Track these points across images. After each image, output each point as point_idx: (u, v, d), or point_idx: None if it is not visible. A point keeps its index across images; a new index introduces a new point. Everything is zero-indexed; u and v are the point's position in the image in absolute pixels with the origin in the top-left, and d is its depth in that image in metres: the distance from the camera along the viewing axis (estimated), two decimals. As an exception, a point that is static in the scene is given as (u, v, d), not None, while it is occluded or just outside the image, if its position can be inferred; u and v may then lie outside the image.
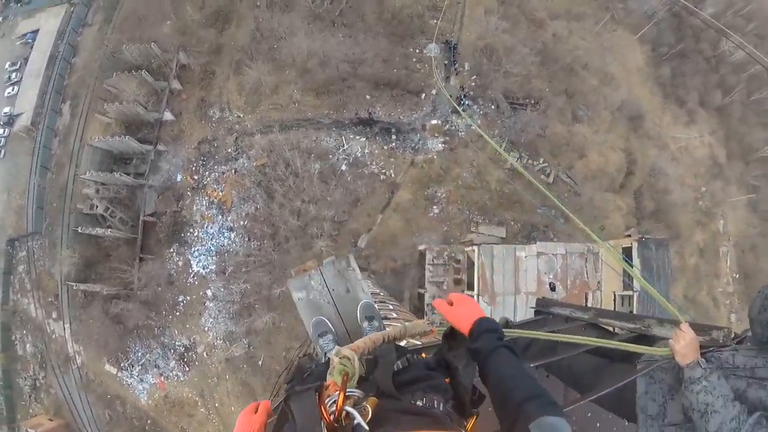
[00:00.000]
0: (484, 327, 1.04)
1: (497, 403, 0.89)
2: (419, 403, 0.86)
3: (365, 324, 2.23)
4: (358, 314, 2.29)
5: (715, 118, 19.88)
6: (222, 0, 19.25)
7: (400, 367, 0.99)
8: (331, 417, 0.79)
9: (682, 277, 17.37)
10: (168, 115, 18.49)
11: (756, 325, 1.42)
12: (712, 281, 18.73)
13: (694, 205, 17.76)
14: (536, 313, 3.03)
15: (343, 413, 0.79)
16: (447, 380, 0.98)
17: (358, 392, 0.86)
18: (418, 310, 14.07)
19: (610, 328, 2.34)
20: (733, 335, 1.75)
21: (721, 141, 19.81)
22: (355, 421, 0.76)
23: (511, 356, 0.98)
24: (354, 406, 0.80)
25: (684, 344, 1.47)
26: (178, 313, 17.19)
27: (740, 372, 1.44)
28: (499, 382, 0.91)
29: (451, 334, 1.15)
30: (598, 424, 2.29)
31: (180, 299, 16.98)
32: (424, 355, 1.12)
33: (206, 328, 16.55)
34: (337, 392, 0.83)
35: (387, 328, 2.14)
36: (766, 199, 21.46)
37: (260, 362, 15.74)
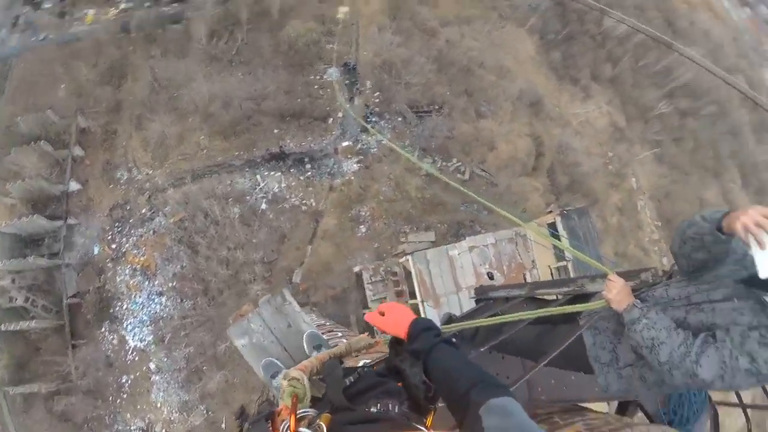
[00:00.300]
0: (420, 327, 1.06)
1: (446, 398, 0.90)
2: (373, 410, 0.86)
3: (314, 353, 2.19)
4: (305, 346, 2.28)
5: (609, 88, 21.90)
6: (115, 54, 18.50)
7: (352, 380, 0.99)
8: None
9: (608, 237, 18.76)
10: (74, 185, 17.30)
11: (680, 258, 1.50)
12: (637, 234, 20.43)
13: (605, 170, 19.35)
14: (477, 302, 3.09)
15: None
16: (399, 384, 0.99)
17: (312, 411, 0.86)
18: (367, 331, 14.06)
19: (551, 297, 2.39)
20: (661, 273, 1.83)
21: (618, 108, 21.83)
22: None
23: (449, 349, 0.98)
24: (309, 426, 0.79)
25: (616, 292, 1.55)
26: (125, 395, 15.90)
27: (677, 303, 1.50)
28: (443, 378, 0.91)
29: (397, 341, 1.15)
30: (564, 387, 2.40)
31: (124, 380, 15.75)
32: (375, 368, 1.12)
33: (159, 404, 15.44)
34: (289, 415, 0.82)
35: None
36: (669, 149, 23.88)
37: (223, 425, 14.91)
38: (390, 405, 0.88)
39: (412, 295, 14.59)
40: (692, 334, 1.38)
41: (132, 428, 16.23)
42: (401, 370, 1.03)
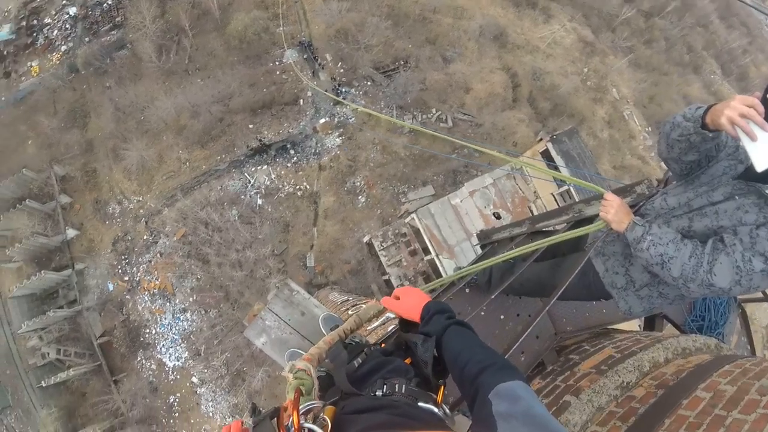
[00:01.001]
0: (432, 310, 1.04)
1: (456, 380, 0.88)
2: (379, 392, 0.84)
3: None
4: (323, 329, 2.29)
5: (568, 5, 21.34)
6: (71, 96, 18.09)
7: (360, 362, 0.97)
8: None
9: (603, 153, 18.75)
10: (71, 232, 17.30)
11: (671, 162, 1.40)
12: (631, 143, 20.39)
13: (584, 87, 19.13)
14: (482, 247, 3.05)
15: (305, 431, 0.76)
16: (407, 360, 0.97)
17: (318, 403, 0.84)
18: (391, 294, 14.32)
19: (553, 229, 2.35)
20: (656, 182, 1.75)
21: (582, 22, 21.35)
22: None
23: (461, 331, 0.96)
24: (315, 419, 0.77)
25: (614, 212, 1.46)
26: (176, 414, 16.42)
27: (678, 211, 1.42)
28: (454, 359, 0.90)
29: (408, 322, 1.13)
30: (587, 314, 2.43)
31: (171, 400, 16.22)
32: (383, 345, 1.11)
33: (210, 414, 15.96)
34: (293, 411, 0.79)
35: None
36: (643, 53, 23.48)
37: (276, 417, 15.47)
38: (396, 385, 0.86)
39: (426, 251, 14.81)
40: (700, 242, 1.29)
41: (193, 443, 16.91)
42: (412, 345, 1.00)
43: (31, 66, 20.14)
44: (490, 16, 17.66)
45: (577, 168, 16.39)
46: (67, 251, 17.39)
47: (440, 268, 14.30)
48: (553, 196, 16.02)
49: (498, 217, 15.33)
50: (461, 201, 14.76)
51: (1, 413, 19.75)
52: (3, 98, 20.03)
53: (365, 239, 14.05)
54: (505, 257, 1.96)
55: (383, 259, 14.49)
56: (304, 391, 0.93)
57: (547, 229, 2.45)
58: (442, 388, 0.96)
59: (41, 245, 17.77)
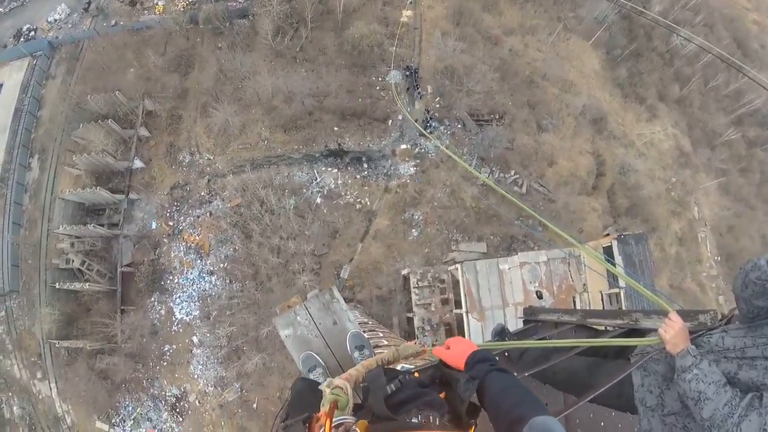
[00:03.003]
0: (477, 358, 1.10)
1: (492, 416, 0.93)
2: (415, 420, 0.87)
3: (356, 354, 2.23)
4: (348, 344, 2.29)
5: (675, 110, 20.66)
6: (183, 44, 19.39)
7: (393, 389, 1.00)
8: None
9: (665, 268, 17.67)
10: (138, 163, 18.29)
11: (741, 302, 1.41)
12: (696, 267, 19.11)
13: (667, 196, 18.23)
14: (525, 322, 3.00)
15: None
16: (442, 395, 1.01)
17: (350, 419, 0.89)
18: (409, 334, 13.92)
19: (601, 328, 2.34)
20: (720, 316, 1.75)
21: (684, 131, 20.55)
22: None
23: (503, 375, 1.02)
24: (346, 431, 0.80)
25: (673, 333, 1.47)
26: (165, 363, 16.64)
27: (731, 353, 1.43)
28: (494, 397, 0.95)
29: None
30: (602, 423, 2.32)
31: (166, 348, 16.47)
32: (416, 375, 1.13)
33: (196, 376, 16.03)
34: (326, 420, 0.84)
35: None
36: (735, 180, 22.22)
37: (255, 405, 15.28)
38: (431, 417, 0.89)
39: (457, 305, 14.36)
40: (739, 393, 1.31)
41: (167, 394, 16.98)
42: (453, 381, 1.04)
43: (157, 4, 21.92)
44: (596, 98, 17.37)
45: (634, 274, 15.52)
46: (128, 179, 18.38)
47: (465, 326, 13.79)
48: (602, 294, 15.20)
49: (540, 296, 14.69)
50: (509, 268, 14.27)
51: (7, 295, 20.92)
52: (122, 23, 21.86)
53: (404, 272, 13.84)
54: (554, 344, 1.90)
55: (414, 297, 14.19)
56: (339, 406, 0.94)
57: (596, 327, 2.38)
58: (473, 429, 0.97)
59: (106, 164, 18.91)
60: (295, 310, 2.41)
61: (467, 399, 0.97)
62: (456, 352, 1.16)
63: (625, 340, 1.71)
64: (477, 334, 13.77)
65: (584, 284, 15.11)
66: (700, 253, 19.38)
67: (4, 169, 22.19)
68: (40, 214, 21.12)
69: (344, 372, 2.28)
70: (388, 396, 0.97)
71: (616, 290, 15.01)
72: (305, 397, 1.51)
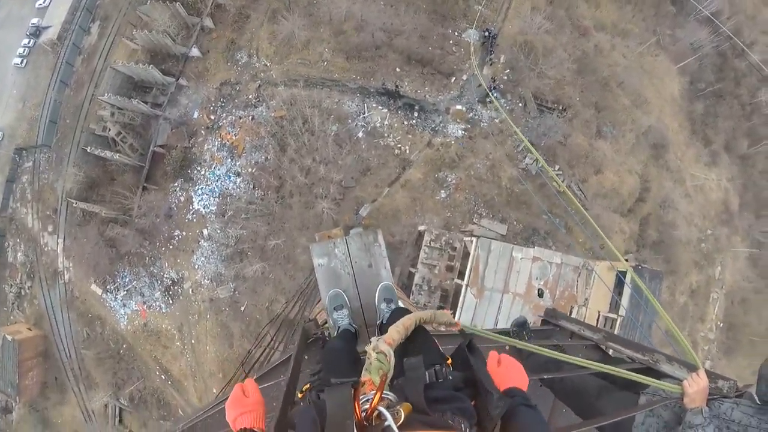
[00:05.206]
0: (520, 396, 1.10)
1: None
2: (451, 422, 0.88)
3: (383, 305, 2.19)
4: (377, 294, 2.25)
5: (736, 165, 19.63)
6: (271, -56, 18.73)
7: (427, 381, 1.00)
8: (363, 415, 0.81)
9: (668, 313, 17.36)
10: (195, 52, 18.29)
11: (763, 383, 1.49)
12: (696, 324, 18.83)
13: (697, 246, 17.70)
14: (543, 322, 3.01)
15: (375, 413, 0.81)
16: (473, 402, 1.01)
17: (391, 395, 0.89)
18: (406, 287, 14.21)
19: (610, 352, 2.34)
20: (736, 388, 1.81)
21: (737, 189, 19.61)
22: (386, 423, 0.77)
23: (536, 413, 1.03)
24: (387, 408, 0.81)
25: (697, 389, 1.53)
26: (171, 247, 17.38)
27: (734, 426, 1.51)
28: (521, 429, 0.97)
29: (469, 346, 1.20)
30: None
31: (176, 233, 17.15)
32: (449, 361, 1.14)
33: (196, 266, 16.75)
34: (373, 392, 0.85)
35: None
36: (766, 256, 21.38)
37: (243, 308, 16.00)
38: (462, 425, 0.89)
39: (461, 275, 14.52)
40: None
41: (164, 275, 17.90)
42: (483, 391, 1.03)
43: None
44: (664, 123, 16.57)
45: (635, 307, 15.39)
46: (182, 64, 18.47)
47: (461, 299, 13.99)
48: (599, 314, 15.18)
49: (541, 295, 14.72)
50: (521, 258, 14.24)
51: (39, 148, 21.80)
52: None
53: (420, 227, 13.93)
54: (577, 362, 1.87)
55: (422, 255, 14.36)
56: (387, 379, 0.95)
57: (611, 351, 2.32)
58: None
59: (164, 45, 18.96)
60: (335, 242, 2.36)
61: (497, 418, 0.97)
62: (507, 374, 1.15)
63: (646, 378, 1.71)
64: (469, 309, 13.97)
65: (586, 299, 15.05)
66: (705, 313, 19.03)
67: (63, 29, 22.45)
68: (89, 78, 21.53)
69: (364, 317, 2.22)
70: (425, 389, 0.95)
71: (614, 316, 14.95)
72: (341, 356, 1.50)
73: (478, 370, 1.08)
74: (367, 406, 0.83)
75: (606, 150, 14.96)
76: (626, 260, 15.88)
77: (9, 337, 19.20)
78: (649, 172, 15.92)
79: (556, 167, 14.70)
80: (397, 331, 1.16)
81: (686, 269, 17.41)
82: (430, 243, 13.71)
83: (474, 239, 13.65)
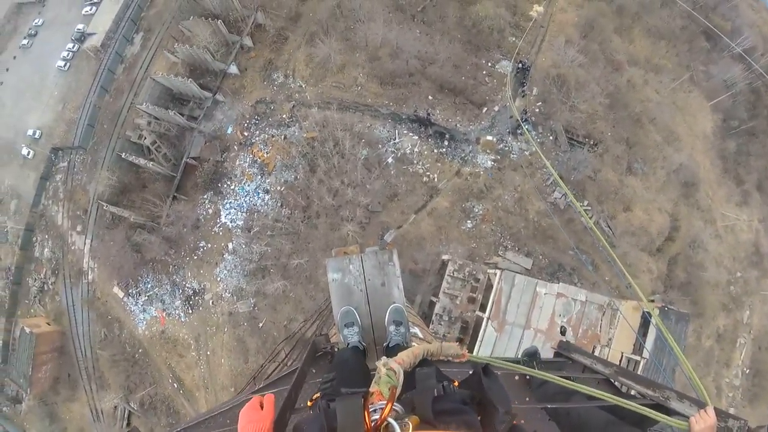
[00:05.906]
0: None
1: None
2: None
3: (392, 327, 2.20)
4: (387, 316, 2.26)
5: (769, 205, 19.09)
6: (309, -28, 19.49)
7: (435, 394, 1.03)
8: (372, 424, 0.84)
9: (693, 357, 16.85)
10: (233, 69, 19.00)
11: None
12: (722, 369, 18.10)
13: (725, 288, 17.14)
14: (556, 354, 3.05)
15: (384, 423, 0.83)
16: (478, 417, 1.04)
17: (399, 407, 0.92)
18: (426, 317, 14.13)
19: (622, 388, 2.33)
20: (747, 428, 1.79)
21: (769, 230, 19.02)
22: None
23: None
24: (395, 420, 0.84)
25: (704, 427, 1.54)
26: (195, 257, 17.75)
27: None
28: None
29: (485, 370, 1.22)
30: None
31: (201, 244, 17.53)
32: (456, 383, 1.16)
33: (219, 279, 17.04)
34: (383, 402, 0.90)
35: (412, 342, 2.16)
36: (799, 301, 20.49)
37: (261, 324, 16.15)
38: None
39: (483, 308, 14.38)
40: None
41: (186, 285, 18.25)
42: (488, 405, 1.04)
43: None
44: (696, 161, 16.31)
45: (660, 351, 14.94)
46: (219, 80, 19.21)
47: (481, 331, 13.82)
48: (622, 355, 14.77)
49: (563, 332, 14.44)
50: (545, 293, 14.05)
51: (74, 150, 22.76)
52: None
53: (444, 257, 13.92)
54: (589, 392, 1.87)
55: (444, 284, 14.32)
56: (397, 392, 0.97)
57: (624, 387, 2.31)
58: None
59: (204, 60, 19.78)
60: (351, 258, 2.39)
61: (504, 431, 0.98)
62: None
63: (654, 413, 1.72)
64: (488, 343, 13.78)
65: (610, 339, 14.69)
66: (731, 358, 18.28)
67: (108, 37, 23.65)
68: (129, 86, 22.54)
69: (374, 335, 2.26)
70: (433, 401, 0.98)
71: (638, 358, 14.53)
72: (352, 368, 1.54)
73: (490, 388, 1.10)
74: (376, 416, 0.85)
75: (636, 187, 14.79)
76: (652, 300, 15.49)
77: (27, 330, 19.68)
78: (679, 211, 15.62)
79: (585, 202, 14.57)
80: (407, 356, 1.22)
81: (713, 312, 16.84)
82: (453, 273, 13.68)
83: (498, 272, 13.55)
